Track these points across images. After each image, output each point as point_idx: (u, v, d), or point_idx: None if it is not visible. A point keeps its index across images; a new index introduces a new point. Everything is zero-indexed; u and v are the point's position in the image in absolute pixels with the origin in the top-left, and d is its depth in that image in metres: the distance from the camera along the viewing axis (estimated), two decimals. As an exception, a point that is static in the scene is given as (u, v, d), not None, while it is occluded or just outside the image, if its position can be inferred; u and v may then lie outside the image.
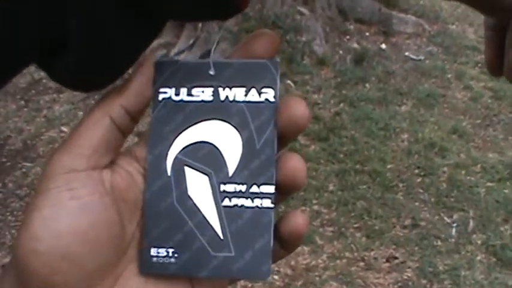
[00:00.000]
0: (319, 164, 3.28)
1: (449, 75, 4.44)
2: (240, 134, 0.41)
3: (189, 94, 0.42)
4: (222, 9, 0.35)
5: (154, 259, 0.41)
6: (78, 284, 0.37)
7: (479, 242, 2.84)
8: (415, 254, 2.75)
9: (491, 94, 4.23)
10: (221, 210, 0.41)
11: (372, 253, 2.74)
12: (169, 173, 0.41)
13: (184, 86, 0.42)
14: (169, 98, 0.42)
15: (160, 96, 0.42)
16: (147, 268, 0.41)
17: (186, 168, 0.42)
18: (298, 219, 0.41)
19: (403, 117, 3.81)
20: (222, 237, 0.41)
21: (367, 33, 4.81)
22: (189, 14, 0.36)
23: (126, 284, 0.40)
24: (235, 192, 0.41)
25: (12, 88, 4.01)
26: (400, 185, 3.20)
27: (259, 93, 0.42)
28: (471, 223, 2.95)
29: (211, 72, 0.42)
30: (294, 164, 0.40)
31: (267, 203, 0.41)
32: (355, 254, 2.73)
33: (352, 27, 4.78)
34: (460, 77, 4.42)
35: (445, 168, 3.36)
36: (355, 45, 4.59)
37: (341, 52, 4.49)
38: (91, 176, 0.38)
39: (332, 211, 2.97)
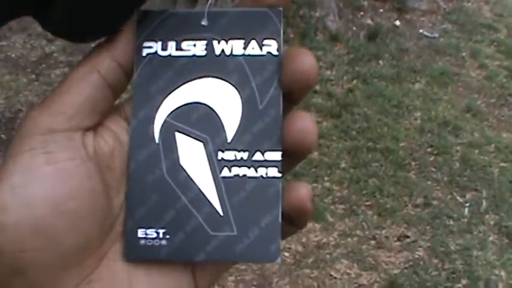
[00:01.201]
0: (331, 141, 3.25)
1: (463, 54, 4.39)
2: (240, 93, 0.36)
3: (179, 48, 0.36)
4: None
5: (142, 242, 0.35)
6: (52, 263, 0.32)
7: (491, 222, 2.82)
8: (427, 233, 2.73)
9: (506, 73, 4.18)
10: (220, 182, 0.35)
11: (383, 231, 2.72)
12: (157, 140, 0.36)
13: (172, 39, 0.37)
14: (155, 53, 0.36)
15: (145, 52, 0.36)
16: (134, 253, 0.35)
17: (177, 134, 0.36)
18: (301, 190, 0.34)
19: (416, 95, 3.77)
20: (221, 214, 0.35)
21: (381, 10, 4.75)
22: None
23: (111, 267, 0.34)
24: (235, 160, 0.35)
25: (23, 62, 3.99)
26: (413, 163, 3.17)
27: (261, 46, 0.36)
28: (484, 203, 2.93)
29: (204, 23, 0.37)
30: (304, 125, 0.34)
31: (273, 172, 0.35)
32: (366, 232, 2.71)
33: (365, 3, 4.73)
34: (475, 55, 4.36)
35: (458, 147, 3.33)
36: (369, 22, 4.54)
37: (354, 28, 4.44)
38: (72, 138, 0.33)
39: (344, 188, 2.95)
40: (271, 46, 0.36)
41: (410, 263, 2.58)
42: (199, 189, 0.35)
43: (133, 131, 0.36)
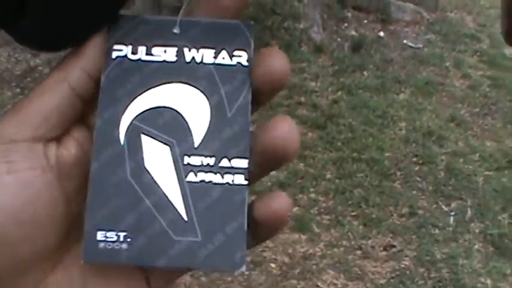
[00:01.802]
0: (317, 152, 3.26)
1: (447, 63, 4.42)
2: (208, 100, 0.35)
3: (149, 53, 0.36)
4: None
5: (102, 244, 0.33)
6: (7, 270, 0.32)
7: (477, 230, 2.83)
8: (413, 243, 2.73)
9: (489, 82, 4.21)
10: (185, 187, 0.34)
11: (369, 241, 2.73)
12: (122, 142, 0.35)
13: (143, 44, 0.36)
14: (125, 56, 0.36)
15: (114, 54, 0.36)
16: (92, 256, 0.33)
17: (142, 136, 0.35)
18: (280, 200, 0.34)
19: (401, 105, 3.79)
20: (186, 219, 0.34)
21: (365, 21, 4.78)
22: None
23: (65, 272, 0.34)
24: (201, 165, 0.35)
25: (8, 75, 3.98)
26: (398, 173, 3.18)
27: (231, 56, 0.36)
28: (469, 212, 2.94)
29: (176, 31, 0.36)
30: (285, 131, 0.33)
31: (239, 179, 0.35)
32: (352, 242, 2.71)
33: (350, 14, 4.76)
34: (459, 65, 4.39)
35: (443, 157, 3.34)
36: (353, 33, 4.57)
37: (339, 39, 4.46)
38: (33, 149, 0.33)
39: (329, 199, 2.95)
40: (242, 57, 0.36)
41: (397, 272, 2.58)
42: (163, 193, 0.34)
43: (98, 131, 0.35)
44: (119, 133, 0.35)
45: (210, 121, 0.35)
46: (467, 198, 3.03)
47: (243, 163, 0.35)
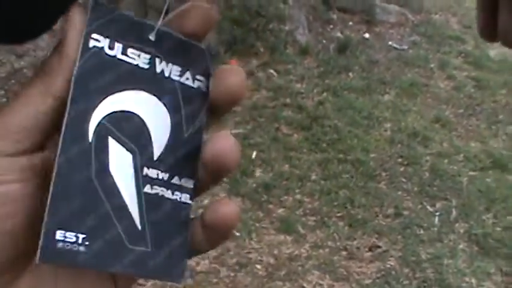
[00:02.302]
0: (302, 153, 3.26)
1: (432, 65, 4.44)
2: (170, 116, 0.37)
3: (124, 53, 0.36)
4: None
5: (60, 244, 0.32)
6: None
7: (461, 230, 2.84)
8: (398, 243, 2.74)
9: (474, 84, 4.24)
10: (141, 197, 0.35)
11: (355, 242, 2.73)
12: (90, 139, 0.34)
13: (119, 42, 0.36)
14: (102, 48, 0.35)
15: (92, 43, 0.35)
16: (49, 255, 0.32)
17: (110, 138, 0.35)
18: (227, 208, 0.36)
19: (386, 107, 3.81)
20: (139, 228, 0.35)
21: (351, 23, 4.79)
22: None
23: (38, 269, 0.35)
24: (157, 179, 0.36)
25: (-8, 77, 3.96)
26: (383, 174, 3.19)
27: (193, 79, 0.37)
28: (454, 212, 2.95)
29: (152, 38, 0.37)
30: (223, 145, 0.35)
31: (185, 197, 0.37)
32: (338, 243, 2.72)
33: (335, 16, 4.77)
34: (443, 66, 4.42)
35: (428, 157, 3.36)
36: (339, 35, 4.58)
37: (324, 41, 4.47)
38: (18, 161, 0.33)
39: (315, 200, 2.96)
40: (202, 82, 0.38)
41: (382, 272, 2.59)
42: (123, 199, 0.35)
43: (68, 123, 0.34)
44: (88, 129, 0.34)
45: (170, 137, 0.37)
46: (451, 199, 3.05)
47: (190, 184, 0.37)
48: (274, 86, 3.82)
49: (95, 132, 0.35)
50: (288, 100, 3.68)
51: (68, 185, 0.33)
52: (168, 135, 0.37)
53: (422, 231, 2.82)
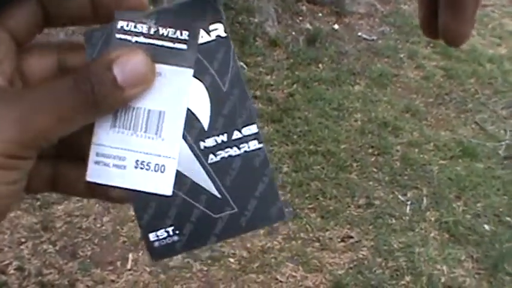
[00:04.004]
0: (273, 146, 3.26)
1: (401, 55, 4.47)
2: (202, 82, 0.37)
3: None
4: None
5: (157, 244, 0.37)
6: None
7: (432, 219, 2.87)
8: (370, 233, 2.76)
9: (443, 73, 4.27)
10: (209, 169, 0.37)
11: (327, 233, 2.74)
12: None
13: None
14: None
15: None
16: (155, 256, 0.38)
17: None
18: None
19: (356, 97, 3.82)
20: (219, 196, 0.37)
21: (320, 14, 4.79)
22: None
23: None
24: (217, 145, 0.37)
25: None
26: (354, 164, 3.20)
27: (208, 33, 0.37)
28: (425, 201, 2.97)
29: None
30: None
31: (254, 144, 0.38)
32: (311, 234, 2.72)
33: (304, 8, 4.77)
34: (413, 56, 4.45)
35: (399, 147, 3.38)
36: (308, 26, 4.58)
37: (293, 33, 4.47)
38: None
39: (286, 192, 2.95)
40: (218, 29, 0.37)
41: (355, 263, 2.60)
42: (192, 181, 0.37)
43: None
44: None
45: (210, 101, 0.37)
46: (422, 188, 3.07)
47: (253, 128, 0.38)
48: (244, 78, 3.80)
49: None
50: (258, 92, 3.68)
51: (139, 196, 0.37)
52: (208, 100, 0.37)
53: (394, 221, 2.84)
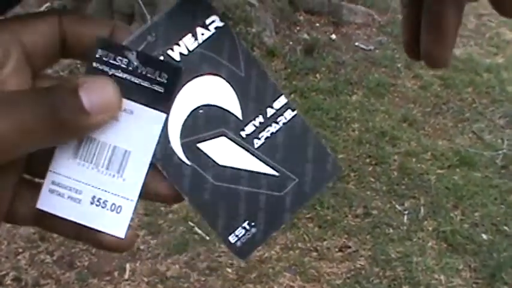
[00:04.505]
0: (271, 155, 3.26)
1: (399, 65, 4.47)
2: (220, 76, 0.38)
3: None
4: None
5: (239, 243, 0.38)
6: None
7: (430, 228, 2.86)
8: (368, 243, 2.76)
9: (440, 82, 4.28)
10: (258, 154, 0.38)
11: (325, 243, 2.74)
12: (188, 163, 0.38)
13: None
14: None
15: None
16: (243, 255, 0.39)
17: (199, 145, 0.38)
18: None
19: (353, 107, 3.82)
20: (277, 174, 0.38)
21: (317, 24, 4.81)
22: None
23: None
24: (257, 129, 0.38)
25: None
26: (352, 174, 3.20)
27: (206, 28, 0.38)
28: (422, 210, 2.97)
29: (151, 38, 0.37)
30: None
31: (289, 114, 0.39)
32: (308, 244, 2.72)
33: (302, 18, 4.78)
34: (410, 66, 4.45)
35: (396, 157, 3.38)
36: (305, 36, 4.59)
37: (291, 43, 4.48)
38: None
39: (284, 202, 2.95)
40: (214, 21, 0.38)
41: (352, 272, 2.59)
42: (247, 170, 0.38)
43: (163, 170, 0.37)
44: (179, 157, 0.38)
45: (234, 90, 0.38)
46: (420, 197, 3.07)
47: (282, 100, 0.39)
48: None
49: (185, 153, 0.38)
50: (255, 102, 3.68)
51: (206, 205, 0.38)
52: (232, 90, 0.38)
53: (391, 230, 2.84)
